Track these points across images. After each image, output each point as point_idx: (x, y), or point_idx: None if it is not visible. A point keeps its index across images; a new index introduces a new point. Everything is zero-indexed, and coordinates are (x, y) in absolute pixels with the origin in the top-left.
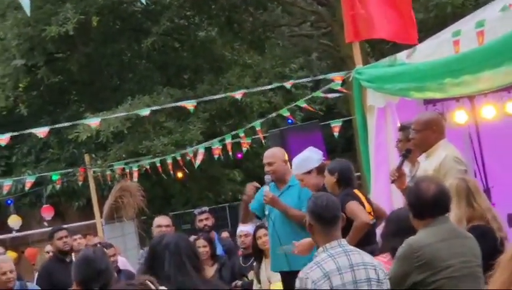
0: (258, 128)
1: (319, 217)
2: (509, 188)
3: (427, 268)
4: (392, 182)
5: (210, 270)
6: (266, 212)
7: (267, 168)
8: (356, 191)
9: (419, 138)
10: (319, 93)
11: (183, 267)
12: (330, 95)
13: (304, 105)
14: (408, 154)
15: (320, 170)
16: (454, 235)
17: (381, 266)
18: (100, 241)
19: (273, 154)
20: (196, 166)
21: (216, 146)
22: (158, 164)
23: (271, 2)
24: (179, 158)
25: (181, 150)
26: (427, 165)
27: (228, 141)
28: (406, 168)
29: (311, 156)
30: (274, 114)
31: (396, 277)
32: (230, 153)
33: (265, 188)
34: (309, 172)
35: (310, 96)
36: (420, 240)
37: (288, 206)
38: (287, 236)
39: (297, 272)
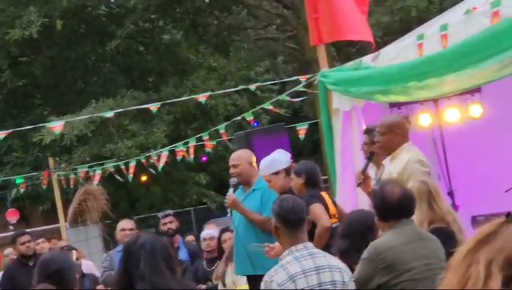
0: (222, 131)
1: (285, 220)
2: (473, 191)
3: (390, 270)
4: (358, 185)
5: None
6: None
7: (232, 170)
8: (323, 193)
9: (383, 140)
10: (284, 97)
11: (158, 267)
12: (295, 99)
13: (270, 107)
14: (372, 157)
15: (288, 171)
16: (418, 237)
17: (346, 268)
18: (66, 245)
19: (239, 156)
20: (160, 168)
21: (180, 149)
22: (122, 167)
23: (236, 5)
24: (143, 160)
25: (145, 153)
26: (391, 168)
27: (192, 144)
28: (371, 171)
29: (279, 158)
30: (239, 117)
31: (361, 279)
32: (192, 156)
33: (229, 191)
34: (277, 173)
35: (275, 99)
36: (384, 242)
37: (250, 210)
38: (250, 240)
39: (263, 275)
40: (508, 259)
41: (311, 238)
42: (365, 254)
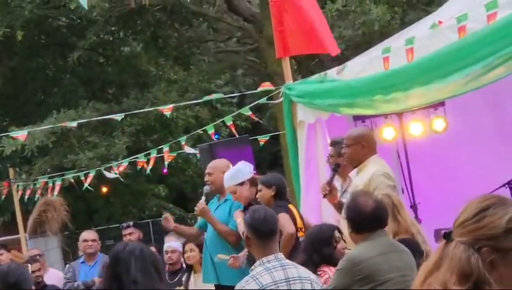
0: (183, 142)
1: (256, 231)
2: (436, 204)
3: (369, 281)
4: (324, 196)
5: None
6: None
7: (206, 178)
8: (290, 205)
9: (349, 152)
10: (247, 110)
11: (149, 272)
12: (271, 102)
13: (230, 123)
14: (338, 168)
15: (252, 182)
16: (393, 249)
17: (317, 280)
18: (37, 254)
19: (215, 165)
20: (114, 175)
21: (141, 160)
22: (82, 178)
23: (196, 18)
24: (104, 171)
25: (106, 164)
26: (358, 180)
27: (153, 155)
28: (337, 183)
29: (243, 169)
30: (200, 130)
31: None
32: (150, 167)
33: (202, 199)
34: (241, 184)
35: (237, 112)
36: (360, 253)
37: (217, 220)
38: (216, 249)
39: (226, 286)
40: (460, 276)
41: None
42: (340, 264)
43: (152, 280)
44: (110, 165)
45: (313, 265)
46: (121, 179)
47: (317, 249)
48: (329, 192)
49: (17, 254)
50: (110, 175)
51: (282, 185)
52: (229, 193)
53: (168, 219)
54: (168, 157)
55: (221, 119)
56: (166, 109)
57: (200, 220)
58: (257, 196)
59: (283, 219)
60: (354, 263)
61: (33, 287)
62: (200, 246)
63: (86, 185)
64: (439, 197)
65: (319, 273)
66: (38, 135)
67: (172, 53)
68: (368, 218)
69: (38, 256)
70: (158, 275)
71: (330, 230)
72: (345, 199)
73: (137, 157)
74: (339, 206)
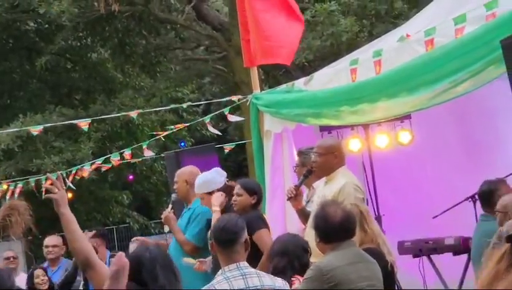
0: (144, 146)
1: (215, 239)
2: (400, 216)
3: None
4: (288, 199)
5: None
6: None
7: (174, 186)
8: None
9: (321, 161)
10: (207, 119)
11: (173, 281)
12: (237, 117)
13: (209, 123)
14: (309, 174)
15: (226, 190)
16: (361, 259)
17: (284, 286)
18: (12, 255)
19: (180, 173)
20: (69, 185)
21: (104, 165)
22: (43, 182)
23: (165, 26)
24: (67, 175)
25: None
26: (326, 190)
27: (114, 158)
28: (304, 192)
29: (215, 178)
30: (162, 134)
31: None
32: (100, 171)
33: (168, 207)
34: (210, 193)
35: (200, 120)
36: (329, 262)
37: (178, 229)
38: (178, 257)
39: None
40: None
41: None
42: (309, 273)
43: (176, 288)
44: (70, 169)
45: (292, 271)
46: (72, 187)
47: (298, 256)
48: (295, 196)
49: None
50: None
51: (261, 195)
52: (199, 198)
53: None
54: (128, 156)
55: (187, 124)
56: (134, 112)
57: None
58: (234, 200)
59: (265, 237)
60: (323, 272)
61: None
62: None
63: (43, 187)
64: (403, 209)
65: (292, 279)
66: (4, 139)
67: (138, 60)
68: (337, 228)
69: (13, 258)
70: (177, 281)
71: (304, 240)
72: (310, 209)
73: (100, 163)
74: (302, 213)
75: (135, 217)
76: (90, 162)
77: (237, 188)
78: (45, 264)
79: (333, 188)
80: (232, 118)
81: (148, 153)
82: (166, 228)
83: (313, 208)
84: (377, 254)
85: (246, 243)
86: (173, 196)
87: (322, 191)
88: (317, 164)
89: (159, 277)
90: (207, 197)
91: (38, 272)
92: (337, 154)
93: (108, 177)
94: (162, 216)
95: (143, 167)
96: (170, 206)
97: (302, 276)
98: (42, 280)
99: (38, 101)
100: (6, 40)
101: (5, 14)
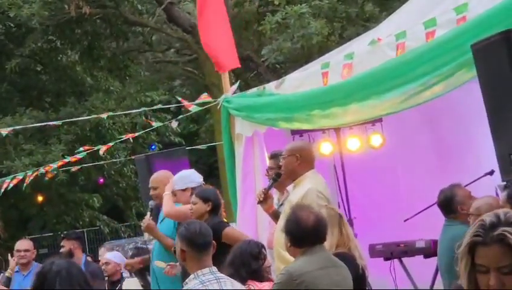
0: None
1: (192, 243)
2: (371, 219)
3: None
4: (259, 202)
5: None
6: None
7: (151, 192)
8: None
9: (284, 163)
10: (179, 118)
11: None
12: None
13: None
14: (277, 178)
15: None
16: (332, 264)
17: None
18: None
19: (158, 179)
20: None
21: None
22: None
23: (133, 32)
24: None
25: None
26: (292, 195)
27: (81, 155)
28: (275, 195)
29: (192, 176)
30: (132, 135)
31: None
32: (69, 172)
33: (147, 215)
34: (184, 190)
35: (168, 121)
36: (299, 267)
37: (162, 235)
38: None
39: None
40: None
41: (223, 262)
42: (279, 278)
43: None
44: (37, 169)
45: (240, 279)
46: (52, 189)
47: (245, 264)
48: (264, 199)
49: None
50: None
51: (218, 201)
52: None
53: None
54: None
55: (153, 127)
56: (104, 114)
57: None
58: (190, 209)
59: (235, 232)
60: (293, 277)
61: None
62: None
63: (10, 186)
64: (374, 212)
65: (247, 284)
66: None
67: (106, 64)
68: (308, 232)
69: None
70: None
71: (259, 246)
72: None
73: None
74: (274, 215)
75: (105, 221)
76: (56, 162)
77: (193, 197)
78: (16, 268)
79: (298, 194)
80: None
81: (102, 151)
82: (146, 236)
83: (282, 213)
84: (348, 259)
85: (213, 247)
86: (151, 203)
87: (291, 195)
88: (282, 166)
89: None
90: (180, 193)
91: None
92: (299, 157)
93: (78, 180)
94: (143, 225)
95: (111, 171)
96: (149, 213)
97: (254, 281)
98: None
99: (7, 104)
100: None
101: None
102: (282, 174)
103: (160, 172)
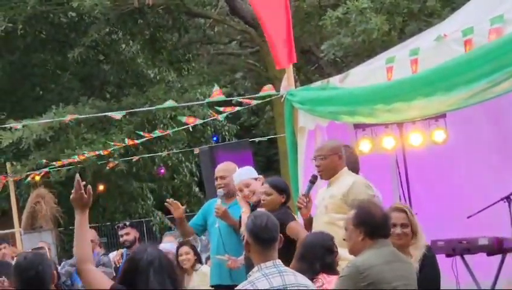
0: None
1: (257, 237)
2: (433, 215)
3: (373, 288)
4: (299, 209)
5: None
6: (216, 225)
7: (219, 182)
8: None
9: (325, 164)
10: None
11: (168, 285)
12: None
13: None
14: (315, 180)
15: None
16: (397, 258)
17: (314, 287)
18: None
19: (226, 168)
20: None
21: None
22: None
23: (195, 24)
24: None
25: (102, 161)
26: (331, 191)
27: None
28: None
29: (252, 169)
30: (193, 123)
31: None
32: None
33: (218, 201)
34: (256, 179)
35: (235, 110)
36: (366, 261)
37: (236, 220)
38: (234, 248)
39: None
40: None
41: (289, 256)
42: (346, 271)
43: None
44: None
45: (313, 273)
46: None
47: (319, 257)
48: (306, 205)
49: (13, 249)
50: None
51: (290, 192)
52: (238, 189)
53: (174, 204)
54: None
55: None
56: (167, 103)
57: (195, 219)
58: (263, 199)
59: (297, 226)
60: (360, 270)
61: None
62: (194, 249)
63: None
64: (436, 208)
65: (313, 280)
66: (36, 129)
67: (168, 57)
68: (383, 224)
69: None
70: (174, 287)
71: (330, 238)
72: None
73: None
74: (309, 223)
75: (159, 216)
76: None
77: (265, 187)
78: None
79: (341, 188)
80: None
81: None
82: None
83: (317, 213)
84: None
85: (280, 241)
86: (220, 191)
87: (324, 193)
88: (323, 167)
89: (150, 281)
90: (254, 183)
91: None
92: (341, 155)
93: (137, 172)
94: (219, 211)
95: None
96: (219, 201)
97: (327, 273)
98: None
99: (70, 93)
100: (39, 32)
101: (39, 6)
102: (320, 175)
103: (226, 163)
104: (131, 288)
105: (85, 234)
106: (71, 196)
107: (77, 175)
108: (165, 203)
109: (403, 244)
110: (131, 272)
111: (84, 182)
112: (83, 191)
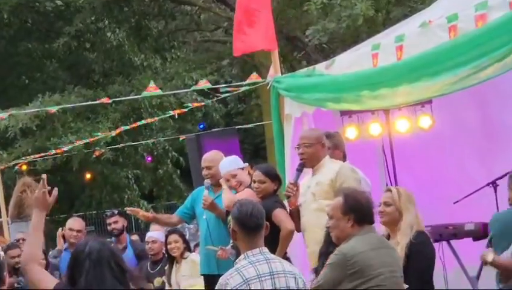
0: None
1: (243, 225)
2: (420, 201)
3: (359, 275)
4: (287, 197)
5: None
6: (204, 216)
7: (205, 172)
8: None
9: (310, 152)
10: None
11: (102, 277)
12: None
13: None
14: (302, 168)
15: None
16: (383, 245)
17: (301, 275)
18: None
19: (212, 158)
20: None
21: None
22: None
23: (180, 12)
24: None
25: (89, 149)
26: (316, 179)
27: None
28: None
29: (238, 159)
30: (181, 111)
31: (327, 283)
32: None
33: (205, 192)
34: (242, 169)
35: (220, 97)
36: (353, 248)
37: (223, 212)
38: (222, 239)
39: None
40: None
41: (273, 242)
42: (332, 258)
43: (102, 287)
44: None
45: None
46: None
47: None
48: (294, 194)
49: (1, 239)
50: None
51: (281, 179)
52: (225, 179)
53: (134, 211)
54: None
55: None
56: (153, 89)
57: (182, 208)
58: (256, 187)
59: (282, 214)
60: (347, 257)
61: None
62: (183, 237)
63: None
64: (423, 194)
65: None
66: (23, 118)
67: (153, 44)
68: (370, 210)
69: (22, 240)
70: (115, 277)
71: None
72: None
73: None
74: (296, 211)
75: (145, 206)
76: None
77: (258, 175)
78: (65, 246)
79: (327, 174)
80: None
81: None
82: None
83: (303, 200)
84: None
85: (266, 228)
86: (207, 181)
87: (310, 181)
88: (307, 155)
89: (88, 274)
90: (240, 172)
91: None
92: (324, 144)
93: (123, 161)
94: (206, 202)
95: (155, 152)
96: (206, 191)
97: None
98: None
99: (56, 82)
100: (25, 21)
101: None
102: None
103: (212, 152)
104: (74, 284)
105: (39, 235)
106: (34, 195)
107: (43, 175)
108: (127, 212)
109: (385, 222)
110: (73, 268)
111: (54, 187)
112: (46, 191)
